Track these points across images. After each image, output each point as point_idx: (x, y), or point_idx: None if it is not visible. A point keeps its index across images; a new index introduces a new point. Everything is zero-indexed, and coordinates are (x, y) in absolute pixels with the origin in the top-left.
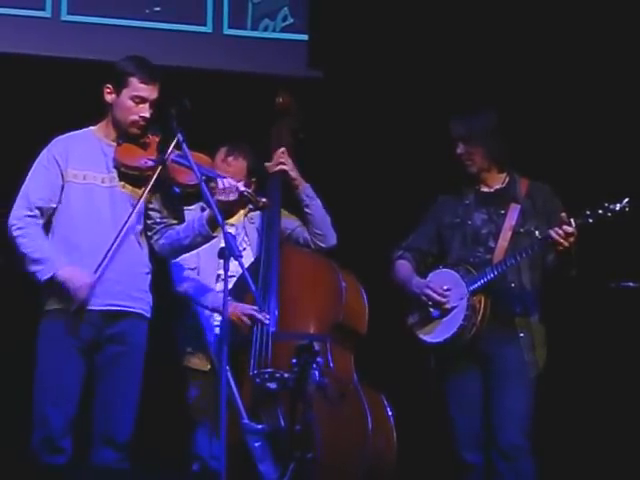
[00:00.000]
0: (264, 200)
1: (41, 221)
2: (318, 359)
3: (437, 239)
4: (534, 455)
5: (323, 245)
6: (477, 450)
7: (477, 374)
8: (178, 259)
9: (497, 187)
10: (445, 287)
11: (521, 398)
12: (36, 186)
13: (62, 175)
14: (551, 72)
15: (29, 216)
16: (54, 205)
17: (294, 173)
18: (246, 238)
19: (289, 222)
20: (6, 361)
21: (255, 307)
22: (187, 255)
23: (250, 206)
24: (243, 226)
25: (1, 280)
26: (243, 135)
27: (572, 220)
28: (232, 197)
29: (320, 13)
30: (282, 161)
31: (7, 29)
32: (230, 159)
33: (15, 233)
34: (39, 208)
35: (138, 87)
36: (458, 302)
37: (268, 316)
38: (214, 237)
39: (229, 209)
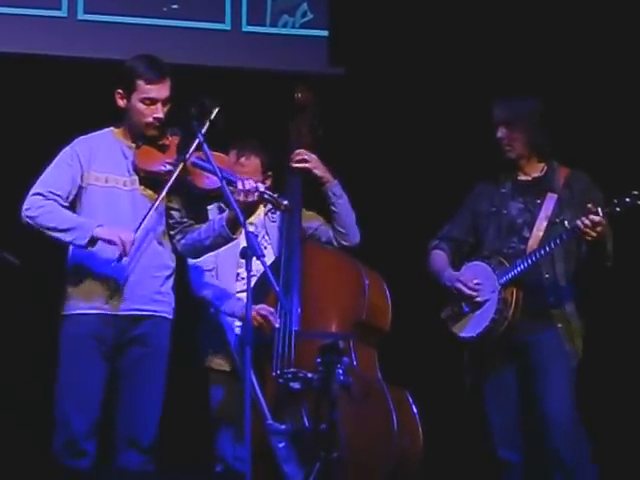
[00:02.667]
0: (286, 203)
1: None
2: (343, 358)
3: (473, 228)
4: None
5: (346, 243)
6: (514, 448)
7: (513, 369)
8: (197, 260)
9: (535, 176)
10: (476, 281)
11: (565, 379)
12: (54, 180)
13: (82, 176)
14: (595, 62)
15: (44, 199)
16: (66, 203)
17: (319, 171)
18: (267, 237)
19: (311, 221)
20: (26, 363)
21: (270, 308)
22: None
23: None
24: (263, 224)
25: (19, 282)
26: (254, 133)
27: (599, 209)
28: (251, 199)
29: (340, 8)
30: (305, 158)
31: (23, 29)
32: (243, 160)
33: (33, 213)
34: (53, 200)
35: (145, 89)
36: (490, 295)
37: (279, 320)
38: (234, 239)
39: (249, 209)
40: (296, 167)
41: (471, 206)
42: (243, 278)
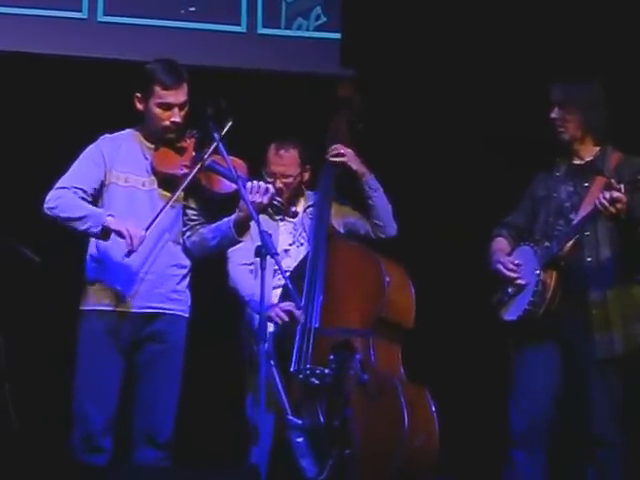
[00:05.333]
0: (293, 209)
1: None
2: (356, 356)
3: (533, 214)
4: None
5: (383, 236)
6: (527, 446)
7: (552, 358)
8: (234, 253)
9: (588, 160)
10: (516, 262)
11: (608, 394)
12: (78, 176)
13: (105, 174)
14: None
15: (66, 190)
16: (90, 198)
17: (355, 165)
18: (304, 234)
19: (348, 216)
20: (44, 360)
21: (292, 304)
22: (244, 250)
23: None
24: (302, 222)
25: (38, 279)
26: (269, 133)
27: (621, 186)
28: (259, 200)
29: (353, 11)
30: (341, 152)
31: (43, 30)
32: (282, 152)
33: (51, 205)
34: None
35: (162, 94)
36: (530, 278)
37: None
38: (240, 241)
39: (261, 211)
40: (332, 161)
41: (530, 193)
42: (280, 274)
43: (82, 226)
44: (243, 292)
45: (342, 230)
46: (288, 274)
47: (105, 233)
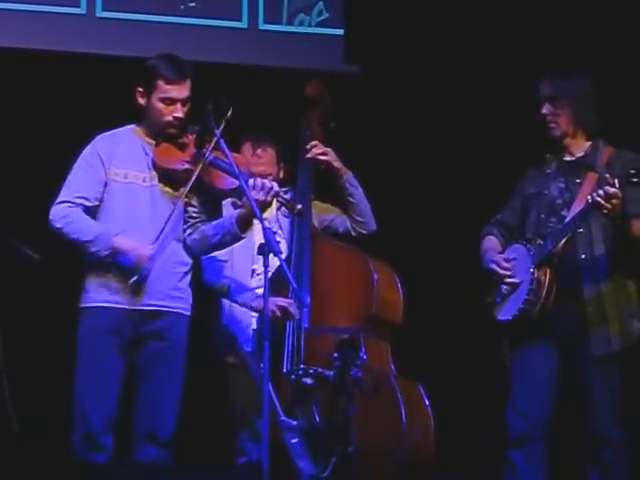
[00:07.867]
0: (299, 207)
1: (82, 209)
2: (360, 353)
3: (523, 212)
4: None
5: (365, 232)
6: (525, 447)
7: (549, 357)
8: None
9: (579, 155)
10: (510, 259)
11: (609, 395)
12: (78, 183)
13: (105, 173)
14: None
15: (70, 207)
16: (96, 203)
17: (337, 163)
18: (280, 231)
19: (327, 214)
20: (45, 358)
21: (288, 300)
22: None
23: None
24: (277, 220)
25: (38, 276)
26: (270, 130)
27: (616, 181)
28: (269, 198)
29: (356, 7)
30: (322, 152)
31: (42, 26)
32: (259, 151)
33: (58, 225)
34: (80, 205)
35: (165, 89)
36: (524, 276)
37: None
38: (242, 237)
39: (264, 209)
40: (317, 159)
41: (520, 191)
42: (259, 274)
43: (91, 248)
44: (224, 283)
45: (319, 229)
46: (270, 274)
47: (115, 254)
